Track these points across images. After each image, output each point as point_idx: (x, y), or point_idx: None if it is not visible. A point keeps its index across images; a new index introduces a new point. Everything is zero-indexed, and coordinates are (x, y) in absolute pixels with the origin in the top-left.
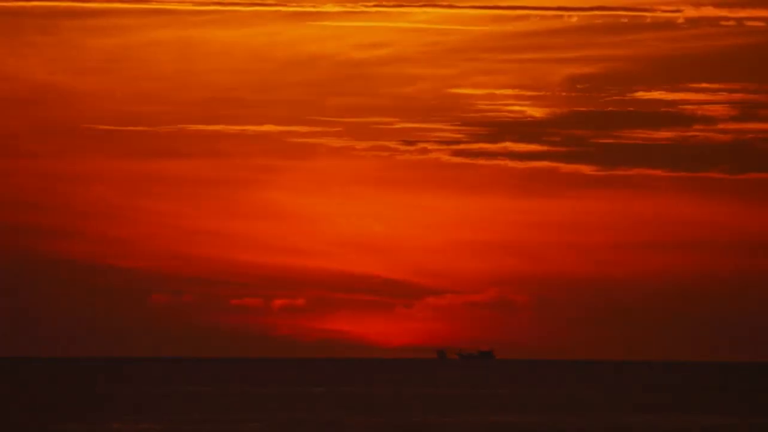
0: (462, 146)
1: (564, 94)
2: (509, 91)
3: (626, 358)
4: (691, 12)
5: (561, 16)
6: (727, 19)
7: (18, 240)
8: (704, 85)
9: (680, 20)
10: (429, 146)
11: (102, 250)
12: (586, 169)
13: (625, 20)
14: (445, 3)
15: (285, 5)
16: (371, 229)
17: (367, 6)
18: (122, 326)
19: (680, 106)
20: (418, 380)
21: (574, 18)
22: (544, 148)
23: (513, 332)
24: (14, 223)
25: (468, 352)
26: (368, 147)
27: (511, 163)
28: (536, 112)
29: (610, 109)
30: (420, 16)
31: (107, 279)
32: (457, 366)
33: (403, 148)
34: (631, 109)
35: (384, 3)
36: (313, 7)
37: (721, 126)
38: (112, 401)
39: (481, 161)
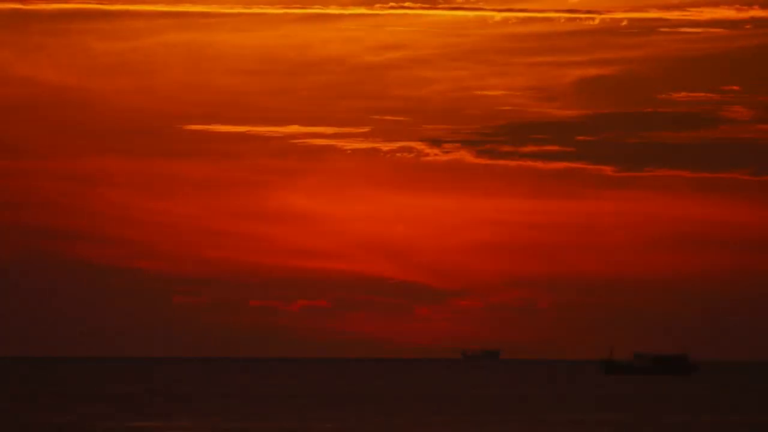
0: (484, 147)
1: (586, 95)
2: (531, 93)
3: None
4: (715, 14)
5: (581, 19)
6: (750, 21)
7: (35, 243)
8: (728, 87)
9: (706, 22)
10: (451, 148)
11: (121, 252)
12: (609, 170)
13: (647, 22)
14: (463, 6)
15: (299, 8)
16: (393, 231)
17: (379, 9)
18: (143, 327)
19: (704, 108)
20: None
21: (596, 20)
22: (566, 149)
23: (531, 333)
24: (31, 225)
25: (472, 352)
26: (393, 149)
27: (533, 164)
28: (558, 113)
29: (632, 110)
30: (433, 19)
31: (127, 281)
32: (465, 366)
33: (427, 149)
34: (654, 110)
35: (397, 6)
36: (326, 9)
37: (744, 127)
38: (139, 401)
39: (503, 162)
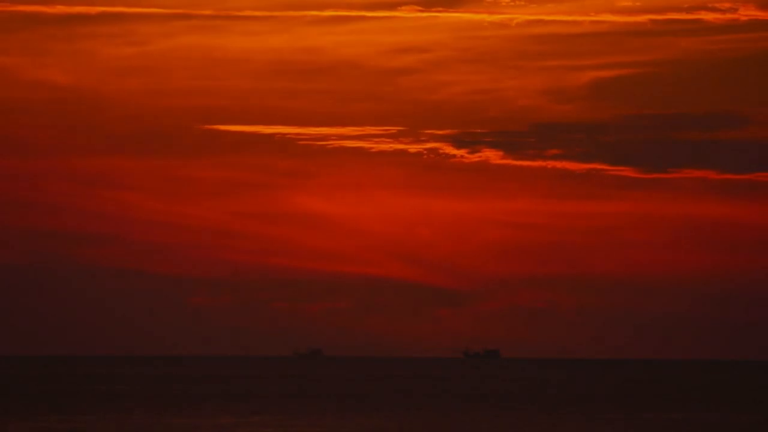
0: (510, 149)
1: (608, 97)
2: (552, 95)
3: (669, 358)
4: (741, 15)
5: (603, 21)
6: None
7: (49, 246)
8: (754, 88)
9: (740, 21)
10: (477, 149)
11: (140, 256)
12: (632, 171)
13: (671, 24)
14: (481, 9)
15: (317, 11)
16: (414, 233)
17: (395, 11)
18: (164, 328)
19: (729, 109)
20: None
21: (618, 22)
22: (589, 150)
23: (552, 334)
24: (46, 228)
25: (474, 351)
26: (419, 150)
27: (557, 165)
28: (580, 115)
29: (656, 111)
30: (449, 20)
31: (148, 285)
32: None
33: (454, 151)
34: (678, 111)
35: (421, 9)
36: (338, 11)
37: None
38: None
39: (528, 164)
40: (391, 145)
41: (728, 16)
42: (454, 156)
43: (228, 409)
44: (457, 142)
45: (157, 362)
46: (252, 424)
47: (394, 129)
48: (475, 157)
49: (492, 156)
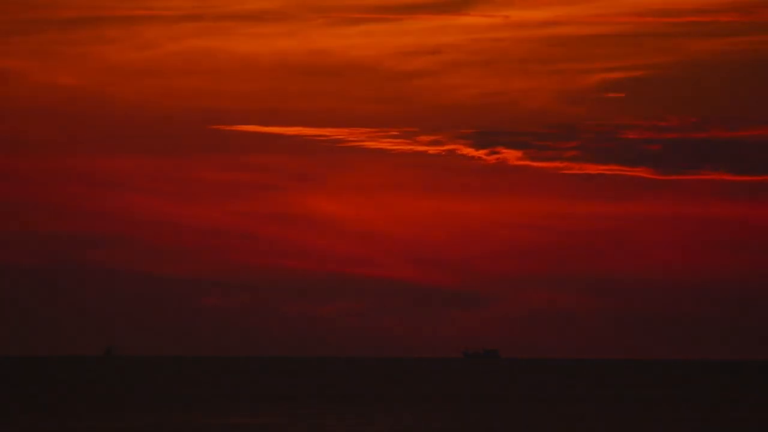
0: (524, 151)
1: (624, 98)
2: (567, 96)
3: (680, 359)
4: (754, 16)
5: (616, 23)
6: None
7: (61, 248)
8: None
9: (756, 22)
10: (494, 150)
11: (150, 258)
12: (649, 172)
13: (684, 26)
14: (492, 12)
15: (325, 13)
16: (427, 235)
17: (405, 15)
18: (177, 329)
19: (743, 110)
20: None
21: (630, 23)
22: (605, 151)
23: (566, 336)
24: (54, 230)
25: (473, 351)
26: (438, 152)
27: (573, 166)
28: (595, 116)
29: (670, 113)
30: (461, 22)
31: (159, 286)
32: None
33: (473, 152)
34: (694, 112)
35: (423, 13)
36: (351, 14)
37: None
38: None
39: (544, 165)
40: (411, 147)
41: (744, 17)
42: (473, 158)
43: (234, 408)
44: (476, 143)
45: (165, 363)
46: (257, 426)
47: (411, 130)
48: (493, 159)
49: (510, 157)
